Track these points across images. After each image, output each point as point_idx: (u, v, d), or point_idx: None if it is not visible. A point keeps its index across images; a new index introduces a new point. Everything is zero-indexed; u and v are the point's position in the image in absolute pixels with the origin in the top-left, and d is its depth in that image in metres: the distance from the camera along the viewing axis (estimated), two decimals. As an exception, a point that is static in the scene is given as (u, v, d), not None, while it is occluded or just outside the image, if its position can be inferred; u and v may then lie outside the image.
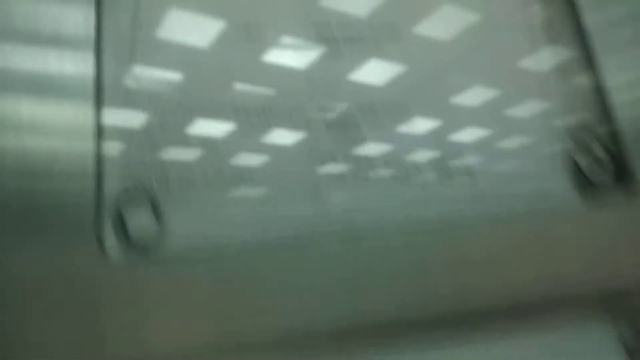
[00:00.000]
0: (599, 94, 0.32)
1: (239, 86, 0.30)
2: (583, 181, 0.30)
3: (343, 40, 0.30)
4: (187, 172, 0.28)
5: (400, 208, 0.28)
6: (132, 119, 0.30)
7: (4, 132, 0.28)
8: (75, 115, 0.29)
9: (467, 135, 0.30)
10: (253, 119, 0.29)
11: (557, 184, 0.30)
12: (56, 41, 0.30)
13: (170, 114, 0.30)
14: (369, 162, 0.29)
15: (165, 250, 0.28)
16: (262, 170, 0.29)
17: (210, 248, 0.28)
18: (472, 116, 0.30)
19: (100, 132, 0.29)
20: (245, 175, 0.28)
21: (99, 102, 0.30)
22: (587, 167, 0.30)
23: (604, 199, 0.30)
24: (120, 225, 0.28)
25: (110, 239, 0.28)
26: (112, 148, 0.29)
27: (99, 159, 0.29)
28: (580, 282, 0.29)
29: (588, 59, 0.32)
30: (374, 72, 0.30)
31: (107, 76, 0.31)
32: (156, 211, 0.28)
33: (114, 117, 0.30)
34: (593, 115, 0.31)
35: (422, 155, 0.29)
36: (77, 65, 0.30)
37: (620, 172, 0.30)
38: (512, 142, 0.30)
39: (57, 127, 0.29)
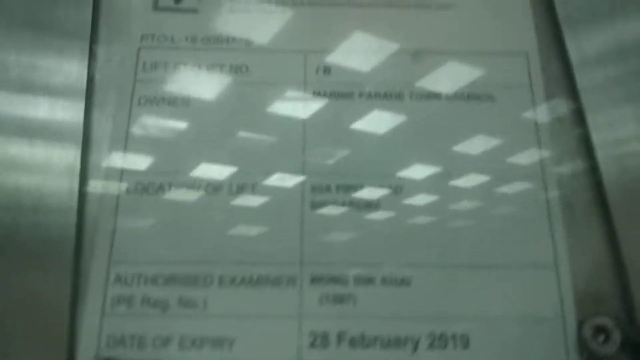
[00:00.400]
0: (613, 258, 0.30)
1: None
2: (587, 352, 0.28)
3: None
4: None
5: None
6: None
7: None
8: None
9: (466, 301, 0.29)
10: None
11: (558, 355, 0.28)
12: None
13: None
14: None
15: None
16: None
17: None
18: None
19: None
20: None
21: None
22: (592, 337, 0.28)
23: None
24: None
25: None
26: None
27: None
28: None
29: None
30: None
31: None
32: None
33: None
34: (603, 285, 0.29)
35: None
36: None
37: (628, 341, 0.28)
38: (511, 308, 0.29)
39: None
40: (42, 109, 0.31)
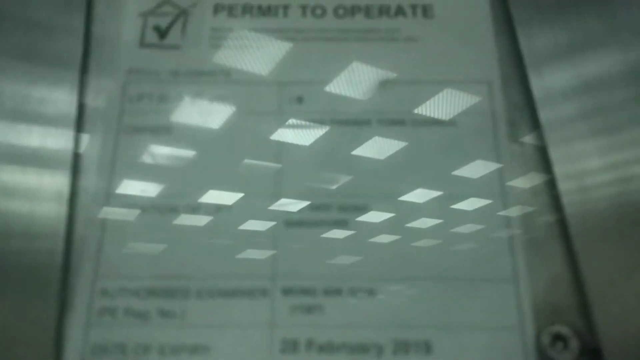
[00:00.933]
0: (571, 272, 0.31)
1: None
2: (545, 359, 0.29)
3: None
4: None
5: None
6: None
7: None
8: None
9: (428, 311, 0.30)
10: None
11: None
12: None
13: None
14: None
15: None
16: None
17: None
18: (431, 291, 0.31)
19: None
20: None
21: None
22: (550, 345, 0.29)
23: None
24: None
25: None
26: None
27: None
28: None
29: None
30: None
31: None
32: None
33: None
34: (561, 297, 0.31)
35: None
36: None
37: (585, 348, 0.29)
38: (471, 317, 0.30)
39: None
40: (34, 137, 0.33)
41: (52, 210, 0.31)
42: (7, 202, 0.31)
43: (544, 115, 0.34)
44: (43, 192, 0.31)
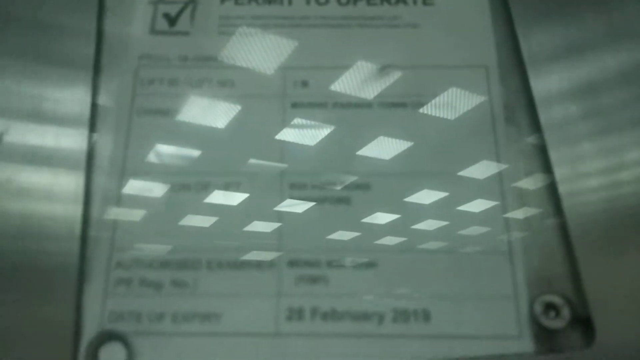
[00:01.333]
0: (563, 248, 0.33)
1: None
2: (537, 327, 0.31)
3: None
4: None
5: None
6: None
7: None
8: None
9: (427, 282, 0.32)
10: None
11: (511, 329, 0.31)
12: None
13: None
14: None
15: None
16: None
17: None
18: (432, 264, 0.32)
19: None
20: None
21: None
22: (542, 313, 0.31)
23: (559, 343, 0.31)
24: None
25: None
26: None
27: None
28: None
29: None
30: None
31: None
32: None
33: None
34: (554, 270, 0.32)
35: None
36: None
37: (576, 316, 0.31)
38: (468, 288, 0.32)
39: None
40: (48, 137, 0.34)
41: (71, 190, 0.32)
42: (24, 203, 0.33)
43: (539, 98, 0.35)
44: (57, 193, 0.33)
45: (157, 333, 0.30)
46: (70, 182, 0.33)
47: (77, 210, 0.32)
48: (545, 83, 0.36)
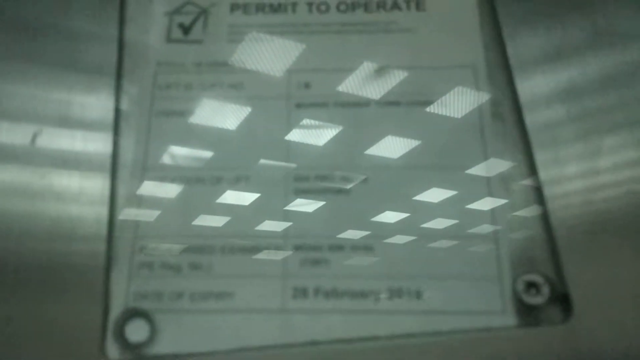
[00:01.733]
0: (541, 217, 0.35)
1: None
2: (519, 303, 0.34)
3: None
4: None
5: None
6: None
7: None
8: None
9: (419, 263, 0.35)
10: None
11: (495, 305, 0.34)
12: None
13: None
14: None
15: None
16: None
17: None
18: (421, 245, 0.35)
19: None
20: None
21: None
22: (524, 291, 0.34)
23: (539, 318, 0.33)
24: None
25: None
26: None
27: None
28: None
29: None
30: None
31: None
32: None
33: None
34: (536, 252, 0.35)
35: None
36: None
37: (555, 293, 0.33)
38: (457, 269, 0.35)
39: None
40: (77, 142, 0.37)
41: (98, 187, 0.36)
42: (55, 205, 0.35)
43: (523, 96, 0.38)
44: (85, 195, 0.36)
45: (176, 310, 0.34)
46: (96, 180, 0.36)
47: (104, 205, 0.35)
48: (530, 82, 0.38)
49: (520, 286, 0.34)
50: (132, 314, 0.33)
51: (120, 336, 0.33)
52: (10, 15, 0.40)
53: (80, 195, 0.35)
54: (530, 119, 0.37)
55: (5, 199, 0.35)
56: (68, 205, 0.35)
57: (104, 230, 0.35)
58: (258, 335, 0.33)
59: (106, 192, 0.36)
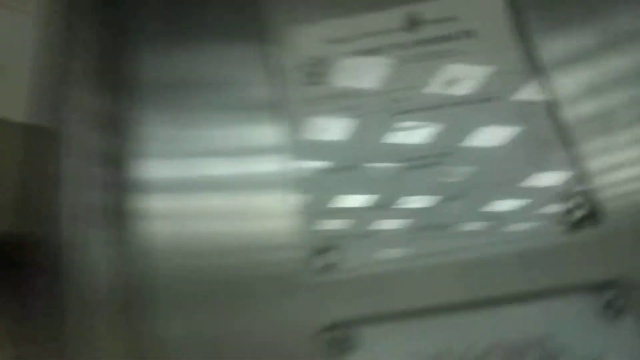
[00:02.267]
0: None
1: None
2: (567, 220, 0.46)
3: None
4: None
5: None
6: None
7: (224, 219, 0.43)
8: (274, 203, 0.44)
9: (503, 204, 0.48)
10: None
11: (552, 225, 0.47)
12: (256, 151, 0.47)
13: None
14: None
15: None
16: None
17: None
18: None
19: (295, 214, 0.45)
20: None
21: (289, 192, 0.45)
22: (571, 210, 0.46)
23: (583, 229, 0.45)
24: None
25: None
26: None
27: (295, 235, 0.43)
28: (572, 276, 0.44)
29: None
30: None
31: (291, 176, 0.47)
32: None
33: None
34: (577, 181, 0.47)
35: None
36: (274, 167, 0.46)
37: (592, 212, 0.45)
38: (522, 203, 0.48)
39: (259, 213, 0.44)
40: (253, 167, 0.46)
41: (279, 226, 0.45)
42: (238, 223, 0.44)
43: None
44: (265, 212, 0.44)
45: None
46: (278, 197, 0.44)
47: (290, 217, 0.44)
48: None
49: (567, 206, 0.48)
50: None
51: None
52: (185, 70, 0.50)
53: (272, 209, 0.43)
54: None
55: (218, 222, 0.43)
56: (262, 220, 0.43)
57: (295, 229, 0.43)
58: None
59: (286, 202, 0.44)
